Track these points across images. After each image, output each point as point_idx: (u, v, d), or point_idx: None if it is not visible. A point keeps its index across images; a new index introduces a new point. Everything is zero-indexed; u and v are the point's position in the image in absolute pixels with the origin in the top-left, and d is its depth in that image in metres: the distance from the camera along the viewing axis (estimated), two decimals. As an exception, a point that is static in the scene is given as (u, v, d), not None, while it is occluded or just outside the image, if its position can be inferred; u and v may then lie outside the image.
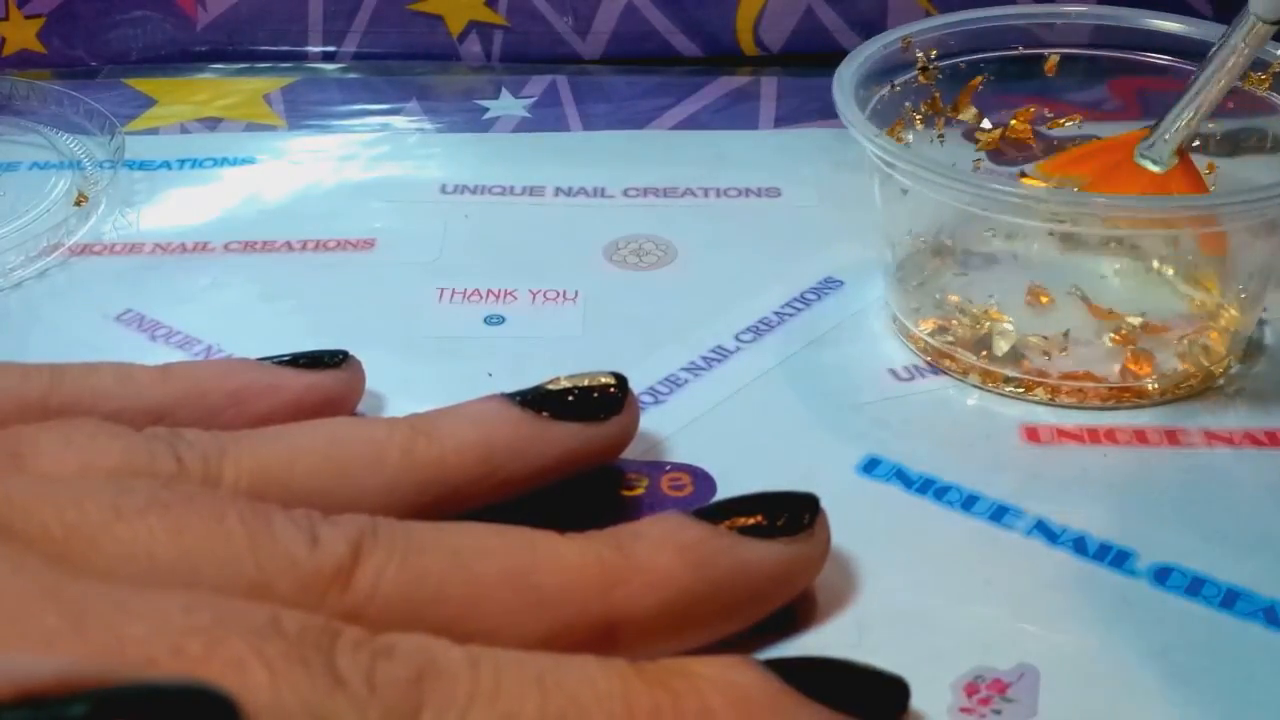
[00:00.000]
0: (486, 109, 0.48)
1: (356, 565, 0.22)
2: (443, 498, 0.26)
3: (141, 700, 0.16)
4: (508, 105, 0.49)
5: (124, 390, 0.28)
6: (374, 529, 0.23)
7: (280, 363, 0.30)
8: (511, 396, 0.27)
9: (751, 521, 0.25)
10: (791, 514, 0.25)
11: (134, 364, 0.29)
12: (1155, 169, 0.34)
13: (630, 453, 0.30)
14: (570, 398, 0.28)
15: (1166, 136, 0.34)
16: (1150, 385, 0.32)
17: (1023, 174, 0.37)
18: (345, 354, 0.30)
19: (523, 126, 0.47)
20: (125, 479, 0.23)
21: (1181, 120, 0.34)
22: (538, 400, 0.27)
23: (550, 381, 0.28)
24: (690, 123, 0.47)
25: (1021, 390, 0.32)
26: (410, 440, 0.26)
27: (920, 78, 0.36)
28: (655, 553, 0.24)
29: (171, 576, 0.21)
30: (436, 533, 0.23)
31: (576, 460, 0.28)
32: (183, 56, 0.52)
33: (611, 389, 0.28)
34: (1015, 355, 0.33)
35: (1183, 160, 0.34)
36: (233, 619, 0.19)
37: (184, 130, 0.47)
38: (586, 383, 0.28)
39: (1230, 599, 0.26)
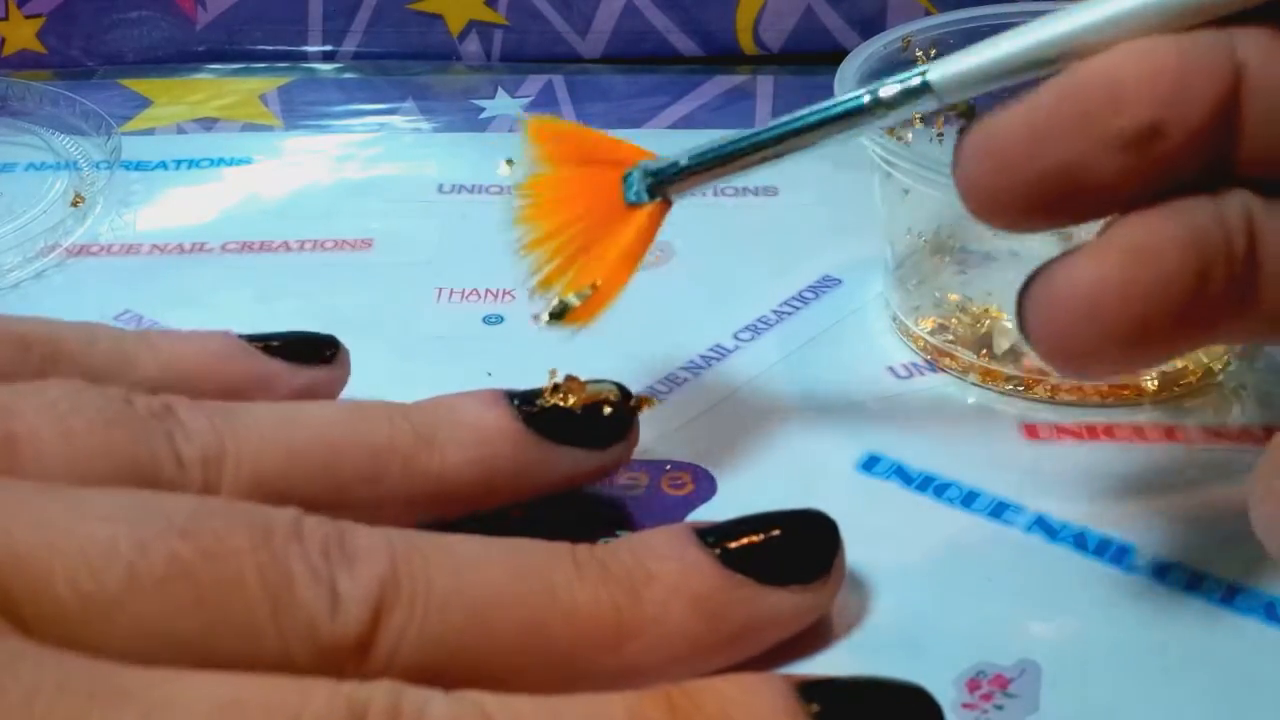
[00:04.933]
0: (483, 108, 0.48)
1: (377, 629, 0.21)
2: (436, 507, 0.26)
3: None
4: (504, 105, 0.49)
5: (118, 373, 0.27)
6: (394, 577, 0.22)
7: (271, 348, 0.29)
8: (516, 404, 0.27)
9: (771, 563, 0.24)
10: (814, 558, 0.25)
11: (129, 337, 0.28)
12: (630, 198, 0.27)
13: (630, 451, 0.30)
14: (577, 420, 0.27)
15: (666, 172, 0.27)
16: (1149, 383, 0.32)
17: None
18: (335, 346, 0.30)
19: (519, 126, 0.47)
20: (142, 526, 0.21)
21: (704, 161, 0.27)
22: (543, 420, 0.27)
23: (559, 391, 0.27)
24: (687, 122, 0.47)
25: (1021, 388, 0.32)
26: (412, 451, 0.26)
27: (919, 76, 0.36)
28: (669, 602, 0.23)
29: (189, 654, 0.20)
30: (456, 579, 0.23)
31: (573, 482, 0.28)
32: (182, 56, 0.52)
33: (620, 413, 0.28)
34: (1015, 353, 0.33)
35: (655, 210, 0.28)
36: None
37: (180, 130, 0.47)
38: (593, 398, 0.27)
39: (1230, 594, 0.26)
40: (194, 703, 0.18)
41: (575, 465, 0.27)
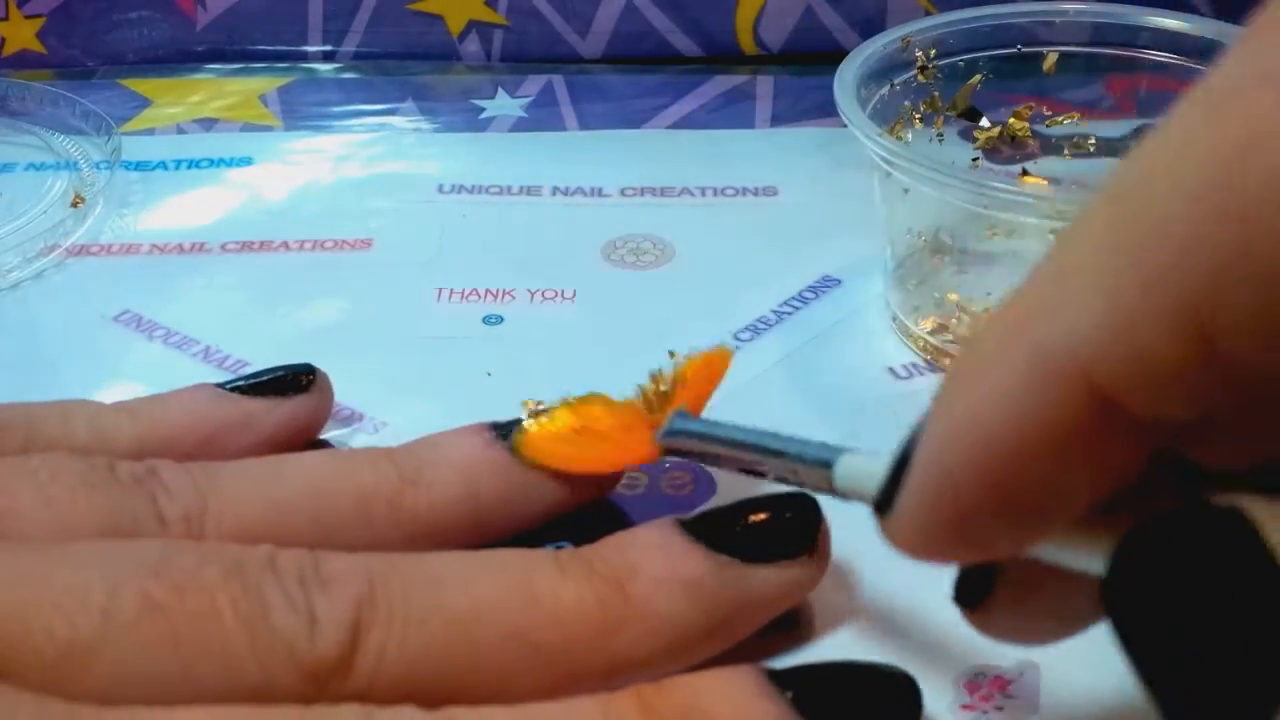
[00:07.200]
0: (483, 109, 0.48)
1: (357, 648, 0.21)
2: (428, 545, 0.26)
3: None
4: (504, 105, 0.49)
5: (98, 442, 0.27)
6: (371, 596, 0.22)
7: (248, 388, 0.29)
8: (498, 434, 0.27)
9: (755, 543, 0.24)
10: (796, 535, 0.25)
11: (106, 407, 0.29)
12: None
13: (630, 451, 0.30)
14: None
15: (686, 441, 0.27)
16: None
17: (1024, 172, 0.37)
18: (313, 373, 0.30)
19: (519, 126, 0.47)
20: (113, 569, 0.21)
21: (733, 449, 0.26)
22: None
23: (539, 416, 0.27)
24: (686, 122, 0.47)
25: (1021, 388, 0.32)
26: (397, 493, 0.26)
27: (919, 76, 0.36)
28: (655, 593, 0.23)
29: (171, 693, 0.20)
30: (435, 594, 0.23)
31: (560, 510, 0.27)
32: (182, 57, 0.52)
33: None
34: (1014, 353, 0.32)
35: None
36: None
37: (180, 131, 0.47)
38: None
39: (1231, 596, 0.26)
40: None
41: (562, 490, 0.27)
